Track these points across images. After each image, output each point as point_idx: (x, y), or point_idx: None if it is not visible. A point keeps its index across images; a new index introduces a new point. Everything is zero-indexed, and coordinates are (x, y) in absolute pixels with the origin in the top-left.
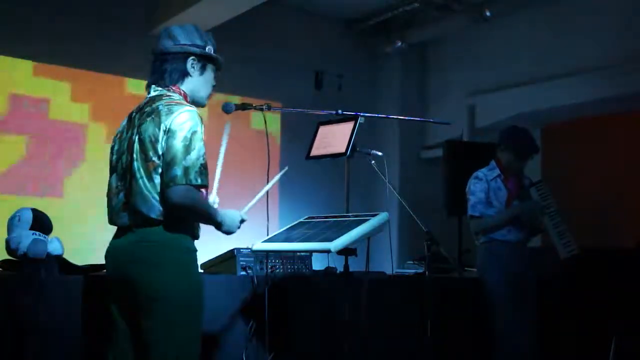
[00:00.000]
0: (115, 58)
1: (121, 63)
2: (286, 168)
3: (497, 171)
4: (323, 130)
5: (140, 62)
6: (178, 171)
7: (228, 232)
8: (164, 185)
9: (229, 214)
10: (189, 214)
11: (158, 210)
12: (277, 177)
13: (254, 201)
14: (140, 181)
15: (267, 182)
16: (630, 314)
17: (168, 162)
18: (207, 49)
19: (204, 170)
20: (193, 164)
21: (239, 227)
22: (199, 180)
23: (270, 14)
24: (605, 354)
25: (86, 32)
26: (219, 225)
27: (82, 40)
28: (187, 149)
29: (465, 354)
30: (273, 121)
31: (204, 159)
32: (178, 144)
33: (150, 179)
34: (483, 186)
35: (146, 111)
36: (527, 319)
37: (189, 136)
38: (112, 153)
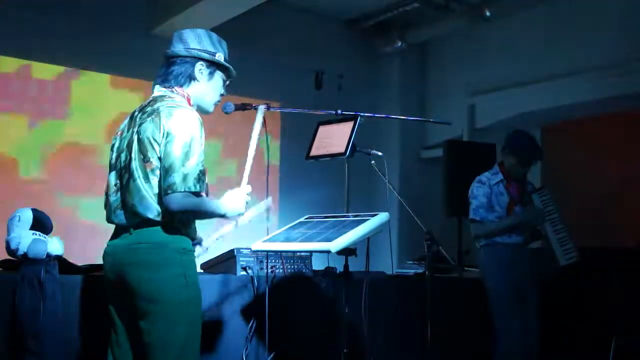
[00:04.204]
0: (115, 58)
1: (121, 63)
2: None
3: (500, 176)
4: (323, 130)
5: (140, 62)
6: (177, 178)
7: (237, 216)
8: (162, 191)
9: (229, 201)
10: (191, 216)
11: (156, 210)
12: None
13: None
14: (138, 181)
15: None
16: (630, 314)
17: (167, 168)
18: (217, 55)
19: (202, 176)
20: (192, 171)
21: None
22: (197, 187)
23: (270, 14)
24: (605, 354)
25: (86, 32)
26: (224, 217)
27: (82, 40)
28: (187, 155)
29: (466, 354)
30: (273, 121)
31: (202, 165)
32: (177, 149)
33: (147, 180)
34: (485, 190)
35: (147, 111)
36: (528, 319)
37: (188, 142)
38: (112, 151)
